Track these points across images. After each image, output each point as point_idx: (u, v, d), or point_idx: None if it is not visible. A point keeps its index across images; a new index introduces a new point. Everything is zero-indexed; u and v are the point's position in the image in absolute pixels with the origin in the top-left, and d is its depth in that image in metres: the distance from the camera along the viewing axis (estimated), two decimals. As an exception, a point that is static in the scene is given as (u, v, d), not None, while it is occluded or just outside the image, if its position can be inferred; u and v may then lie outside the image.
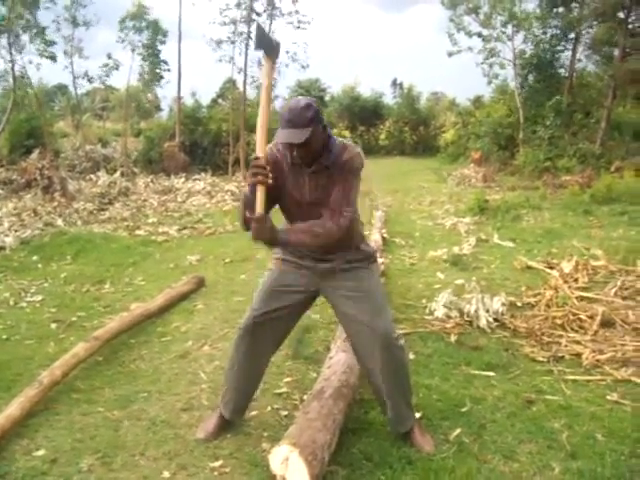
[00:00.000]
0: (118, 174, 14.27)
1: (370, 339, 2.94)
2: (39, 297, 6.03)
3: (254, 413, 3.48)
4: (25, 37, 17.84)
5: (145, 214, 11.44)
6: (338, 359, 3.69)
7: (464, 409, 3.49)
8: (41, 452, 3.09)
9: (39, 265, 7.40)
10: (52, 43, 18.25)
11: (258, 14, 17.83)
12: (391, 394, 3.06)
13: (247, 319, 3.10)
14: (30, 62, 18.23)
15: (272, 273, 3.16)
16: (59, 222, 9.83)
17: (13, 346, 4.70)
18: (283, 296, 3.06)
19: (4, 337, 4.90)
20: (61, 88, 27.54)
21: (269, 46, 2.71)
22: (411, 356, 4.23)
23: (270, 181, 2.69)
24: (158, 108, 32.97)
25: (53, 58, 18.36)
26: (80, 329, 5.07)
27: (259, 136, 2.73)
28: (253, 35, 2.36)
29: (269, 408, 3.57)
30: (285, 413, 3.50)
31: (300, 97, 2.79)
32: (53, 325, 5.18)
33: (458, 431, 3.22)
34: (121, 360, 4.36)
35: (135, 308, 5.27)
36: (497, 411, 3.47)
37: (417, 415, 3.23)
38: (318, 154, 2.79)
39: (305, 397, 3.51)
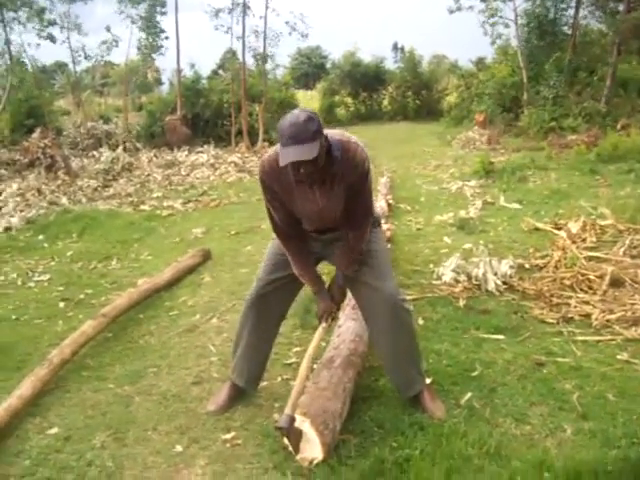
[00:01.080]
0: (120, 150, 14.18)
1: (376, 301, 2.95)
2: (46, 276, 6.03)
3: (265, 384, 3.48)
4: (22, 14, 17.70)
5: (149, 189, 11.39)
6: (347, 327, 3.68)
7: (474, 373, 3.48)
8: (54, 430, 3.11)
9: (45, 244, 7.40)
10: (51, 23, 18.09)
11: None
12: (399, 357, 3.06)
13: (253, 290, 3.12)
14: (29, 44, 18.12)
15: (275, 242, 3.15)
16: (64, 200, 9.81)
17: (22, 326, 4.73)
18: (287, 264, 3.04)
19: (13, 317, 4.93)
20: (61, 66, 27.28)
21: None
22: (420, 322, 4.23)
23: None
24: (159, 82, 32.71)
25: (52, 39, 18.22)
26: (88, 306, 5.08)
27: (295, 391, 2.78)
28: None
29: (279, 379, 3.58)
30: (295, 383, 3.49)
31: (296, 110, 2.61)
32: (61, 304, 5.19)
33: (469, 395, 3.23)
34: (130, 336, 4.38)
35: (142, 283, 5.27)
36: (507, 374, 3.46)
37: (428, 381, 3.22)
38: (324, 166, 2.65)
39: (315, 366, 3.50)
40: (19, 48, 18.18)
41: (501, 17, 19.75)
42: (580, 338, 3.90)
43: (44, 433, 3.09)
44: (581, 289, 4.68)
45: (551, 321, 4.19)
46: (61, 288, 5.65)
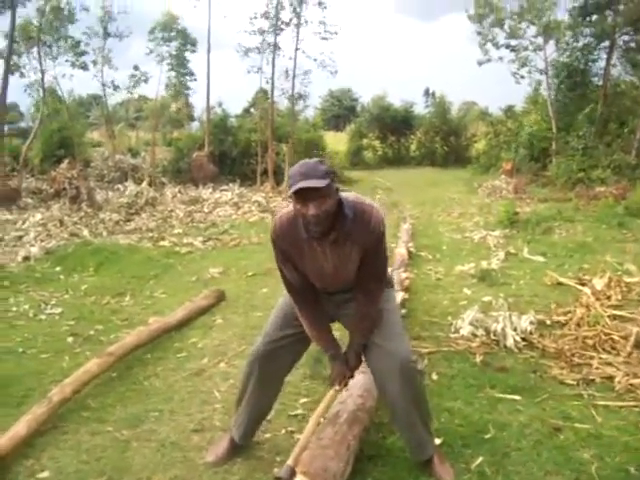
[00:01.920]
0: (145, 184, 14.29)
1: (387, 363, 2.82)
2: (58, 309, 5.98)
3: (267, 436, 3.36)
4: (57, 48, 18.12)
5: (171, 225, 11.42)
6: (356, 381, 3.53)
7: (487, 435, 3.32)
8: (45, 474, 3.01)
9: (61, 276, 7.38)
10: (83, 53, 18.49)
11: (285, 23, 17.77)
12: (410, 420, 2.91)
13: (259, 345, 3.02)
14: (63, 75, 18.50)
15: (287, 298, 3.05)
16: (85, 232, 9.84)
17: (28, 360, 4.66)
18: (297, 321, 2.95)
19: (20, 350, 4.85)
20: (96, 98, 27.84)
21: None
22: (434, 377, 4.10)
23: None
24: (191, 118, 33.18)
25: (84, 67, 18.59)
26: (97, 343, 5.01)
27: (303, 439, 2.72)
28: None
29: (283, 431, 3.44)
30: (300, 436, 3.34)
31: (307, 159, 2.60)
32: (70, 339, 5.13)
33: (480, 460, 3.06)
34: (135, 377, 4.27)
35: (153, 322, 5.19)
36: (522, 438, 3.29)
37: (437, 441, 3.08)
38: (334, 219, 2.59)
39: (322, 420, 3.37)
40: (53, 80, 18.54)
41: (532, 66, 19.79)
42: (601, 403, 3.71)
43: (35, 477, 2.98)
44: (604, 349, 4.51)
45: (571, 382, 4.01)
46: (71, 322, 5.58)
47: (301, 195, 2.47)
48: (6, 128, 17.93)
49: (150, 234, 10.29)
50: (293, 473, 2.51)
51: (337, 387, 2.98)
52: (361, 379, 3.52)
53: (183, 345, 4.93)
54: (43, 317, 5.77)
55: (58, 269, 7.67)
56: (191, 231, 10.79)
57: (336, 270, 2.77)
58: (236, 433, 3.16)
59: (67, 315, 5.81)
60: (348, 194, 2.74)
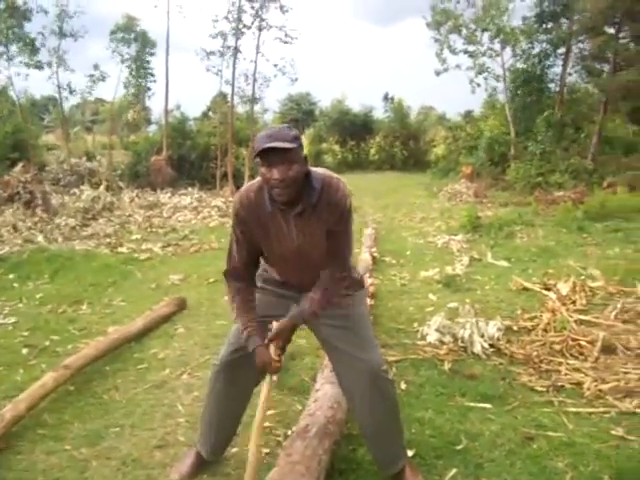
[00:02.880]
0: (102, 188, 14.00)
1: (357, 372, 2.71)
2: (12, 319, 5.75)
3: (234, 450, 3.22)
4: (12, 48, 17.70)
5: (129, 230, 11.18)
6: (324, 392, 3.44)
7: (460, 446, 3.24)
8: (-3, 499, 2.83)
9: (15, 284, 7.13)
10: (37, 51, 18.08)
11: (247, 27, 17.64)
12: (381, 431, 2.82)
13: (223, 354, 2.87)
14: (18, 74, 18.05)
15: None
16: (39, 238, 9.55)
17: (-21, 374, 4.43)
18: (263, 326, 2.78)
19: (-30, 364, 4.62)
20: (52, 100, 27.33)
21: None
22: (402, 386, 4.01)
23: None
24: (148, 121, 32.80)
25: (39, 66, 18.18)
26: (53, 355, 4.81)
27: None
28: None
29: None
30: (267, 451, 3.23)
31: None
32: (24, 350, 4.91)
33: (454, 472, 2.98)
34: (94, 390, 4.10)
35: (112, 332, 5.02)
36: (495, 448, 3.22)
37: (410, 453, 3.00)
38: (300, 190, 2.46)
39: (289, 432, 3.26)
40: (7, 80, 18.10)
41: (489, 72, 20.07)
42: (572, 409, 3.67)
43: (-14, 502, 2.81)
44: (571, 355, 4.48)
45: (540, 389, 3.97)
46: (26, 333, 5.35)
47: (267, 158, 2.34)
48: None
49: (108, 240, 10.04)
50: None
51: (270, 379, 2.66)
52: (330, 389, 3.43)
53: (144, 356, 4.75)
54: (-5, 328, 5.54)
55: (11, 277, 7.41)
56: (150, 237, 10.58)
57: (301, 247, 2.60)
58: (203, 449, 3.02)
59: (22, 325, 5.59)
60: (316, 168, 2.60)
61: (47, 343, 5.08)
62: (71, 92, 19.40)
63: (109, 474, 3.03)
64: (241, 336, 2.68)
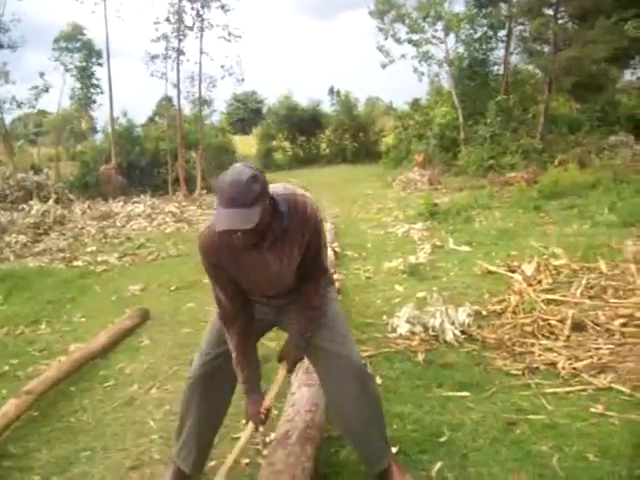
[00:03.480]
0: (52, 202, 13.65)
1: (337, 368, 2.64)
2: (-34, 345, 5.51)
3: (212, 464, 3.09)
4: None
5: (83, 243, 10.93)
6: (301, 395, 3.35)
7: (443, 439, 3.18)
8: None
9: (-34, 308, 6.84)
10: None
11: (188, 27, 17.41)
12: (365, 428, 2.73)
13: (197, 366, 2.76)
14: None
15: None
16: (-11, 258, 9.24)
17: None
18: None
19: None
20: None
21: None
22: (378, 380, 3.92)
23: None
24: (94, 130, 32.23)
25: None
26: (13, 380, 4.59)
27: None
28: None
29: (228, 456, 3.19)
30: (247, 461, 3.12)
31: (239, 166, 2.29)
32: (-19, 377, 4.69)
33: (439, 465, 2.92)
34: (60, 414, 3.92)
35: (74, 351, 4.84)
36: (478, 437, 3.17)
37: (393, 450, 2.92)
38: (268, 225, 2.34)
39: (268, 440, 3.16)
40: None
41: (432, 59, 20.22)
42: (549, 390, 3.66)
43: None
44: (543, 335, 4.48)
45: (516, 372, 3.95)
46: (-18, 358, 5.13)
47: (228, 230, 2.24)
48: None
49: (62, 254, 9.77)
50: None
51: (253, 427, 2.68)
52: (307, 392, 3.34)
53: (110, 372, 4.58)
54: (-52, 355, 5.30)
55: (-38, 300, 7.12)
56: (105, 248, 10.33)
57: (277, 273, 2.55)
58: (185, 464, 2.89)
59: (-23, 351, 5.36)
60: (276, 186, 2.50)
61: (6, 368, 4.85)
62: (19, 105, 18.92)
63: (83, 502, 2.89)
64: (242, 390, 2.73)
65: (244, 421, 3.12)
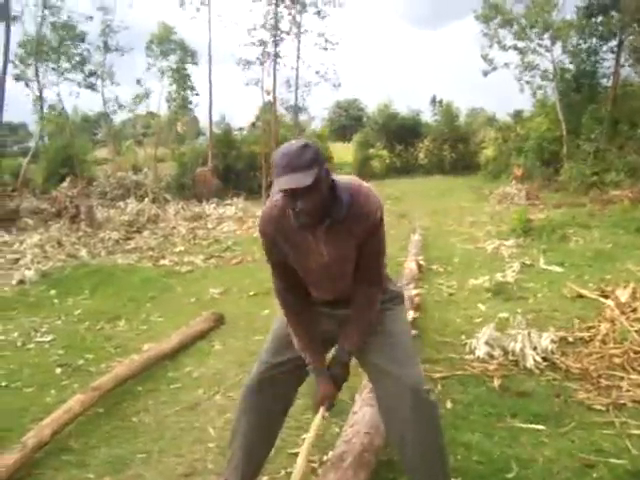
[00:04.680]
0: (147, 201, 14.04)
1: (397, 391, 2.46)
2: (49, 337, 5.69)
3: (265, 479, 2.99)
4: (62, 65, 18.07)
5: (173, 242, 11.17)
6: (362, 415, 3.20)
7: (510, 475, 2.94)
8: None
9: (55, 300, 7.10)
10: (92, 74, 18.40)
11: (285, 32, 17.58)
12: (423, 459, 2.53)
13: (254, 375, 2.67)
14: (70, 94, 18.44)
15: (281, 322, 2.73)
16: (82, 253, 9.60)
17: (10, 395, 4.35)
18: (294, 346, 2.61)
19: (3, 384, 4.55)
20: (104, 115, 27.90)
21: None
22: (448, 405, 3.75)
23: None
24: (199, 133, 33.15)
25: (92, 87, 18.49)
26: (86, 374, 4.69)
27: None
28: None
29: (282, 472, 3.08)
30: (301, 481, 2.99)
31: (293, 140, 2.31)
32: (58, 370, 4.82)
33: (504, 504, 2.69)
34: (123, 412, 3.95)
35: (146, 350, 4.87)
36: (550, 478, 2.92)
37: (454, 483, 2.72)
38: (327, 206, 2.31)
39: (325, 458, 3.02)
40: (57, 97, 18.46)
41: (538, 70, 19.57)
42: (635, 432, 3.33)
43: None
44: (633, 369, 4.13)
45: (600, 408, 3.64)
46: (61, 352, 5.26)
47: (286, 191, 2.22)
48: (15, 147, 17.95)
49: (150, 253, 10.04)
50: None
51: (324, 412, 2.61)
52: (369, 413, 3.19)
53: (177, 375, 4.59)
54: (31, 346, 5.47)
55: (52, 293, 7.39)
56: (193, 249, 10.53)
57: (332, 263, 2.45)
58: (232, 476, 2.79)
59: (57, 343, 5.51)
60: (343, 176, 2.47)
61: (81, 362, 4.97)
62: (120, 107, 19.68)
63: (130, 506, 2.85)
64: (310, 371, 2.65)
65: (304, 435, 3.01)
